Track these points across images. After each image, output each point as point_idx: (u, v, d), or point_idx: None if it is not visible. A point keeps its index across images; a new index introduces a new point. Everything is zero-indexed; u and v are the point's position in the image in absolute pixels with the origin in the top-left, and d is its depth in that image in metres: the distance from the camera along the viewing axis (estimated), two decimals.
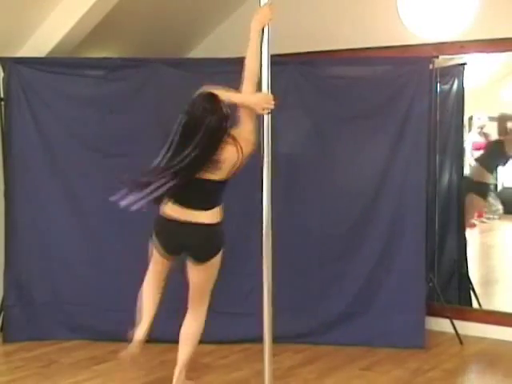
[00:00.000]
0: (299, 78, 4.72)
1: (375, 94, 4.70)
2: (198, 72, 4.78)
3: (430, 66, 4.68)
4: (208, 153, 3.26)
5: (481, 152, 5.62)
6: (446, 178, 5.29)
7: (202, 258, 3.43)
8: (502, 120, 5.51)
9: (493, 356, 4.57)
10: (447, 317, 4.83)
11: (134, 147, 4.74)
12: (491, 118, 5.57)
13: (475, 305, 5.24)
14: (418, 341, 4.60)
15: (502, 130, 5.52)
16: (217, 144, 3.28)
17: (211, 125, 3.24)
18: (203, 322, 3.58)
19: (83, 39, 4.89)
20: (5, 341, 4.66)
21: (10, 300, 4.71)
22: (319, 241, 4.73)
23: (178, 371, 3.56)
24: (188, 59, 5.66)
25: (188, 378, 3.68)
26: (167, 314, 4.71)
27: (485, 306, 5.23)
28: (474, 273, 5.50)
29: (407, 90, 4.65)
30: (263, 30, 3.31)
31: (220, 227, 3.45)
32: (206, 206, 3.39)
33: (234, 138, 3.34)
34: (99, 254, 4.75)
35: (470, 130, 5.52)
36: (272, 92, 3.31)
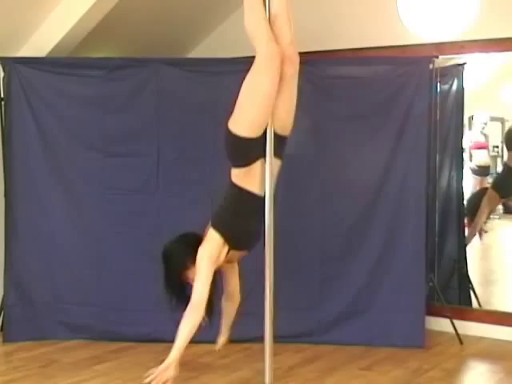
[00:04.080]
0: (299, 78, 4.69)
1: (375, 93, 4.70)
2: (198, 72, 4.79)
3: (430, 66, 4.68)
4: None
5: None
6: (446, 177, 5.29)
7: None
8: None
9: (493, 356, 4.57)
10: (447, 317, 4.83)
11: (134, 147, 4.75)
12: (493, 118, 5.58)
13: (475, 305, 5.24)
14: (418, 340, 4.60)
15: None
16: None
17: None
18: None
19: (83, 39, 4.89)
20: (5, 341, 4.65)
21: (11, 300, 4.71)
22: (319, 241, 4.73)
23: None
24: (188, 59, 5.66)
25: (188, 377, 3.69)
26: (167, 314, 4.73)
27: (485, 306, 5.23)
28: (474, 273, 5.50)
29: (407, 89, 4.65)
30: None
31: None
32: None
33: None
34: (99, 254, 4.75)
35: (470, 129, 5.53)
36: None
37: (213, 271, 3.37)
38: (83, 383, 4.01)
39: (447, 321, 4.83)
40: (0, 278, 4.81)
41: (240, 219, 3.43)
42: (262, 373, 3.38)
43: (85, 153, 4.74)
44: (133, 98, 4.75)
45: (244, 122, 3.32)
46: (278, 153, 3.42)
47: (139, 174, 4.75)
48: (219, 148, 4.64)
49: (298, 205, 4.67)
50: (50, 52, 4.85)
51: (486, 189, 5.66)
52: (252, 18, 3.35)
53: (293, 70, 3.39)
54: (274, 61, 3.29)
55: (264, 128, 3.32)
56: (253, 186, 3.38)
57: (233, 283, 3.65)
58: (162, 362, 3.54)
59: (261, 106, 3.30)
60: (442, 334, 4.87)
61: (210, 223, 3.49)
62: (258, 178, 3.38)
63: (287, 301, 4.26)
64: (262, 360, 3.35)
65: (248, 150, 3.34)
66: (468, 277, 5.38)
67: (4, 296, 4.73)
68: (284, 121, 3.41)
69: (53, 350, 4.55)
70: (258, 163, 3.36)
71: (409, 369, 4.26)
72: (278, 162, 3.47)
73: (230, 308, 3.67)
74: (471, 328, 4.92)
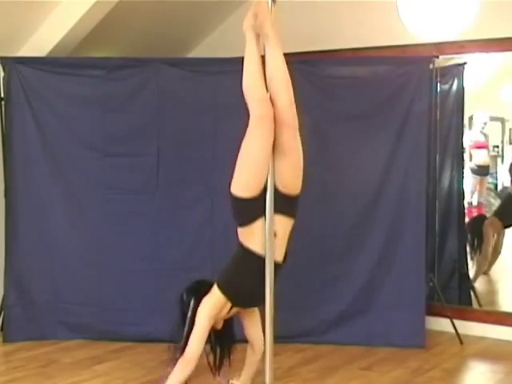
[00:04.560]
0: (299, 78, 4.67)
1: (375, 93, 4.70)
2: (198, 72, 4.79)
3: (430, 66, 4.68)
4: None
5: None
6: (446, 177, 5.30)
7: None
8: None
9: (493, 356, 4.57)
10: (447, 316, 4.83)
11: (134, 147, 4.75)
12: (493, 118, 5.58)
13: (475, 304, 5.24)
14: (418, 340, 4.60)
15: None
16: None
17: None
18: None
19: (83, 39, 4.89)
20: (5, 340, 4.65)
21: (11, 300, 4.71)
22: (319, 241, 4.73)
23: None
24: (188, 59, 5.66)
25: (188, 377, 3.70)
26: (167, 314, 4.72)
27: (485, 306, 5.24)
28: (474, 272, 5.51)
29: (407, 89, 4.65)
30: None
31: None
32: None
33: None
34: (99, 253, 4.75)
35: (470, 129, 5.53)
36: None
37: (210, 325, 3.38)
38: (83, 383, 4.01)
39: (447, 321, 4.83)
40: (0, 278, 4.80)
41: (242, 278, 3.39)
42: (262, 373, 3.37)
43: (85, 153, 4.74)
44: (133, 97, 4.75)
45: (240, 182, 3.28)
46: (287, 211, 3.32)
47: (139, 174, 4.75)
48: (219, 148, 4.68)
49: None
50: (50, 52, 4.86)
51: (482, 216, 5.68)
52: (248, 75, 3.27)
53: (290, 132, 3.26)
54: (264, 121, 3.20)
55: (261, 188, 3.25)
56: (255, 245, 3.32)
57: (251, 332, 3.60)
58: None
59: (253, 167, 3.24)
60: (442, 333, 4.87)
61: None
62: (259, 237, 3.31)
63: (287, 301, 4.26)
64: (262, 360, 3.35)
65: (247, 210, 3.29)
66: (468, 276, 5.39)
67: (4, 296, 4.73)
68: (289, 182, 3.31)
69: (53, 350, 4.55)
70: (260, 221, 3.29)
71: (409, 369, 4.26)
72: (289, 221, 3.36)
73: (250, 357, 3.65)
74: (471, 328, 4.92)
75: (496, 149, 5.74)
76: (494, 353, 4.61)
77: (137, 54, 5.16)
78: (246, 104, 3.31)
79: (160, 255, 4.69)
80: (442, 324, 4.90)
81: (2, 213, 4.79)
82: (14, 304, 4.71)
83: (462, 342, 4.74)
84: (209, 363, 3.54)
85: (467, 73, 5.17)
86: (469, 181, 5.58)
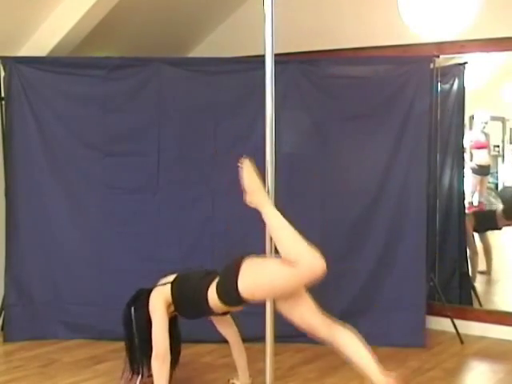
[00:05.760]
0: (300, 78, 4.72)
1: (376, 93, 4.69)
2: (198, 71, 4.78)
3: (431, 66, 4.68)
4: None
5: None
6: (446, 177, 5.29)
7: None
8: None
9: (493, 355, 4.57)
10: (448, 316, 4.83)
11: (134, 147, 4.75)
12: (493, 118, 5.58)
13: (476, 304, 5.24)
14: (418, 340, 4.60)
15: None
16: None
17: None
18: None
19: (84, 39, 4.89)
20: (5, 340, 4.65)
21: (11, 299, 4.71)
22: (320, 240, 4.68)
23: None
24: (189, 58, 5.66)
25: (189, 377, 3.71)
26: None
27: (485, 306, 5.23)
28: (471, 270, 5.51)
29: (408, 89, 4.64)
30: None
31: None
32: None
33: None
34: (99, 253, 4.75)
35: (470, 129, 5.53)
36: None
37: (167, 315, 3.53)
38: (83, 383, 4.01)
39: (448, 320, 4.83)
40: (0, 278, 4.80)
41: (190, 309, 3.58)
42: (262, 373, 3.37)
43: (85, 152, 4.74)
44: (133, 97, 4.74)
45: (250, 290, 3.34)
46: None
47: (139, 174, 4.75)
48: (219, 148, 4.68)
49: (298, 204, 4.66)
50: (50, 51, 4.85)
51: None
52: (284, 241, 3.33)
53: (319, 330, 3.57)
54: (313, 275, 3.33)
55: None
56: (217, 310, 3.52)
57: (223, 330, 3.79)
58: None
59: (270, 290, 3.35)
60: (442, 333, 4.87)
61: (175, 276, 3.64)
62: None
63: None
64: (263, 360, 3.35)
65: (238, 301, 3.40)
66: (469, 276, 5.38)
67: (4, 296, 4.73)
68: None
69: (53, 350, 4.54)
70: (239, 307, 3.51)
71: (409, 368, 4.25)
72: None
73: (233, 353, 3.80)
74: (472, 327, 4.92)
75: (497, 148, 5.74)
76: (494, 352, 4.61)
77: (137, 53, 5.16)
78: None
79: (160, 255, 4.68)
80: (442, 323, 4.90)
81: (2, 213, 4.79)
82: (14, 304, 4.71)
83: (462, 342, 4.74)
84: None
85: (468, 72, 5.16)
86: (469, 180, 5.58)
